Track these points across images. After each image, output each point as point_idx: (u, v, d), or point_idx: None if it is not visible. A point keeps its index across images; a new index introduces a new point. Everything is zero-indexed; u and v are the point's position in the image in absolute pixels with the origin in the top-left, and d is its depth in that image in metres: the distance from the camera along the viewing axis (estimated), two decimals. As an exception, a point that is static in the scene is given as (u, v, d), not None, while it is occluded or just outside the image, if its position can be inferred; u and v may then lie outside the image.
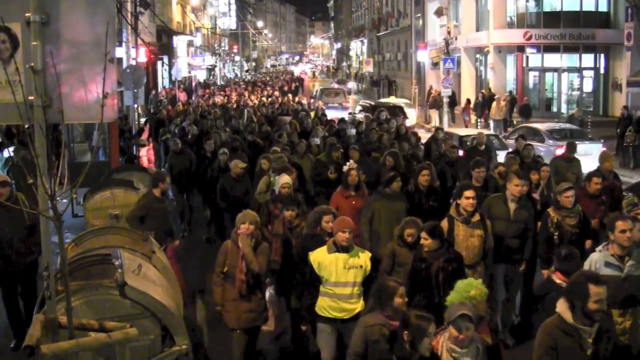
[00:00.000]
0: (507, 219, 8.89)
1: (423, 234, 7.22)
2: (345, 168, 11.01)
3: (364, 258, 7.20)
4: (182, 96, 40.24)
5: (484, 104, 33.33)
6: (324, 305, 7.14)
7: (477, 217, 8.29)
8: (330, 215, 7.87)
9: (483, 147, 15.22)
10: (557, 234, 8.60)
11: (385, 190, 9.57)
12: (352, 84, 67.86)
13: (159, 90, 41.88)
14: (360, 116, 26.87)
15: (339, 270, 7.03)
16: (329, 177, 12.40)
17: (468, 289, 5.74)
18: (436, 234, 7.23)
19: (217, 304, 7.69)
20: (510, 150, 16.36)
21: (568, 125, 23.66)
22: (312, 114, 24.76)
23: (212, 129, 18.11)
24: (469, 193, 8.26)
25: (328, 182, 12.24)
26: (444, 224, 8.19)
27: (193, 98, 42.76)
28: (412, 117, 33.79)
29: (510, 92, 35.36)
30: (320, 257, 7.13)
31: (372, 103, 35.14)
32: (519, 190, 8.96)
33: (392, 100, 38.92)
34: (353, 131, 18.38)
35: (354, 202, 9.93)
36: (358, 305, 7.05)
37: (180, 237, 12.53)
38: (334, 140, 14.98)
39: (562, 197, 8.73)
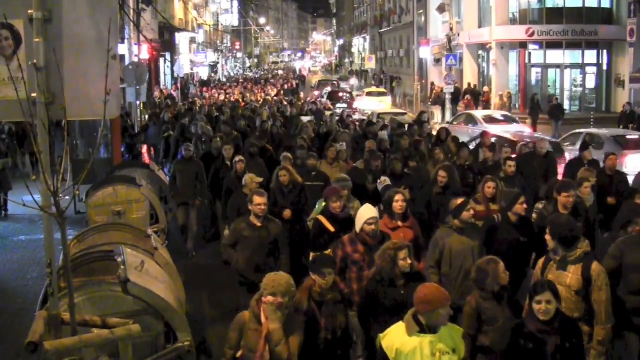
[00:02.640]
0: None
1: (545, 296, 5.15)
2: (379, 184, 9.54)
3: (456, 336, 5.14)
4: (174, 95, 40.06)
5: (453, 98, 34.21)
6: None
7: (563, 257, 6.17)
8: (406, 250, 6.22)
9: (544, 152, 12.42)
10: None
11: (454, 222, 7.50)
12: (354, 81, 67.87)
13: (155, 90, 41.70)
14: (325, 101, 33.24)
15: None
16: (367, 187, 10.52)
17: None
18: (559, 295, 5.32)
19: None
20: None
21: (502, 113, 26.82)
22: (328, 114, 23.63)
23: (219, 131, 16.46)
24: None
25: (364, 193, 10.17)
26: (540, 264, 6.37)
27: (190, 94, 42.63)
28: (386, 103, 39.27)
29: (469, 84, 37.67)
30: (398, 342, 5.02)
31: (330, 90, 45.23)
32: None
33: (372, 89, 45.00)
34: (385, 134, 15.64)
35: (402, 235, 7.74)
36: None
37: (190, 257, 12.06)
38: (374, 145, 13.08)
39: None
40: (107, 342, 4.86)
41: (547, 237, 6.17)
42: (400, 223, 7.91)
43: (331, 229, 8.08)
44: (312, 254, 7.69)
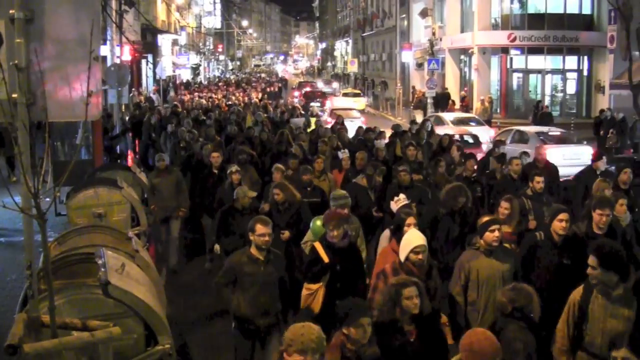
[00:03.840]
0: None
1: (624, 354, 4.52)
2: (393, 205, 8.26)
3: None
4: (154, 98, 39.76)
5: (436, 102, 34.62)
6: None
7: (620, 290, 5.34)
8: (413, 287, 5.23)
9: (542, 164, 11.56)
10: None
11: (481, 243, 6.74)
12: (336, 84, 68.08)
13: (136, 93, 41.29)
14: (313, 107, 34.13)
15: None
16: (374, 214, 9.73)
17: None
18: None
19: None
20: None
21: (471, 116, 28.57)
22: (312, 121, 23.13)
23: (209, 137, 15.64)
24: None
25: (369, 217, 9.53)
26: (577, 294, 5.57)
27: (168, 97, 42.38)
28: (360, 103, 42.11)
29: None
30: None
31: (308, 89, 52.04)
32: None
33: (349, 90, 49.66)
34: (382, 143, 14.34)
35: None
36: None
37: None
38: (365, 157, 11.91)
39: None
40: (87, 345, 4.83)
41: (593, 262, 5.32)
42: None
43: (325, 259, 6.97)
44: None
